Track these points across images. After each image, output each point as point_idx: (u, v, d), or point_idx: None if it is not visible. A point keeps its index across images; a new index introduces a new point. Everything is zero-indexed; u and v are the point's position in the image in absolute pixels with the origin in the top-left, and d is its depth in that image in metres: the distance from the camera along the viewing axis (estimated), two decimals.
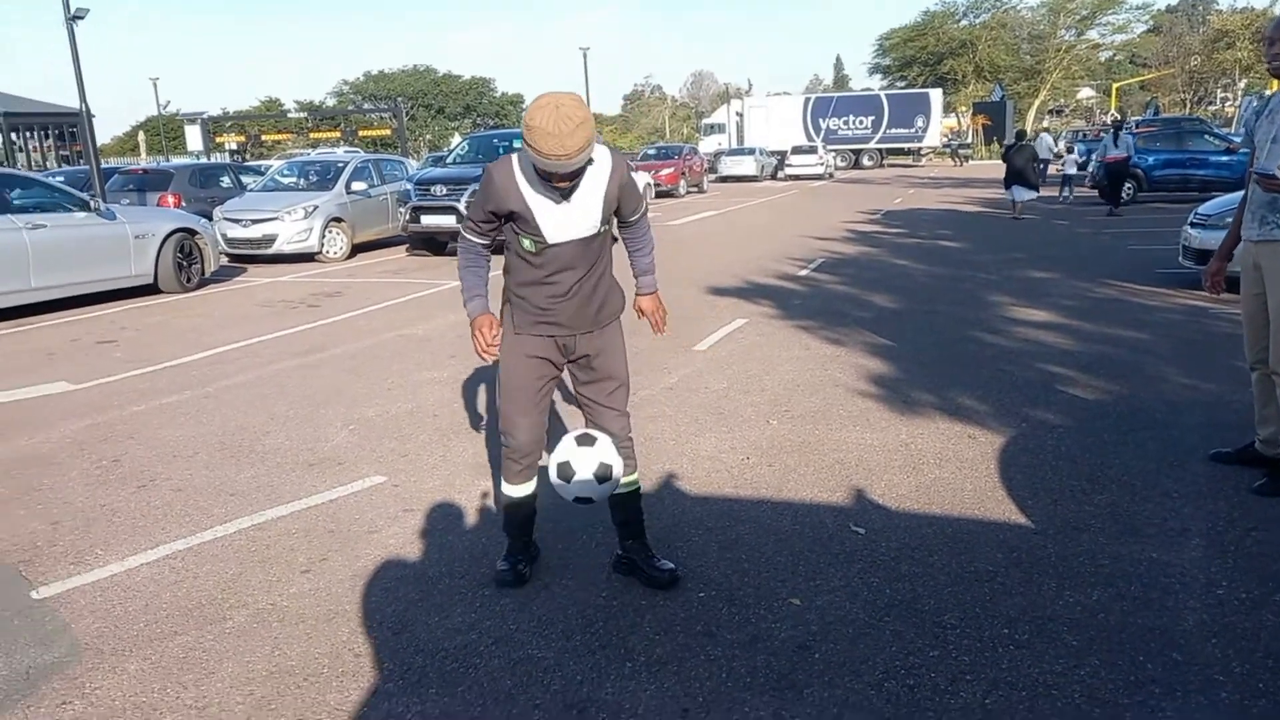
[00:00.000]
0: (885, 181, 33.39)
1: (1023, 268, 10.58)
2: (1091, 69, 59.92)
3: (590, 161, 2.78)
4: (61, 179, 13.18)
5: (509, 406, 3.07)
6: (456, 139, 55.87)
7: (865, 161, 46.79)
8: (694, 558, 3.36)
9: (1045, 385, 5.49)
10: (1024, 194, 16.71)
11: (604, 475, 2.90)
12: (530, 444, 3.10)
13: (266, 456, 4.69)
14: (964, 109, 56.56)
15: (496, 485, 4.13)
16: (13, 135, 35.81)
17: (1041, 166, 18.85)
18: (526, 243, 2.89)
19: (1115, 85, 53.16)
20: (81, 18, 16.84)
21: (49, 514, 4.03)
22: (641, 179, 19.98)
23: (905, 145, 47.82)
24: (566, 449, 2.93)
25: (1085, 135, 36.05)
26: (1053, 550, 3.31)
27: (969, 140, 51.20)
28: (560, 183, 2.72)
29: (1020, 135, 19.20)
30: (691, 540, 3.51)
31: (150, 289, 10.49)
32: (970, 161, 47.48)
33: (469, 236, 3.01)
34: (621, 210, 3.02)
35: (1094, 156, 20.60)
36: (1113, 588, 3.01)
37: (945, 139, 50.36)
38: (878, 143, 47.23)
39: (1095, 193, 19.69)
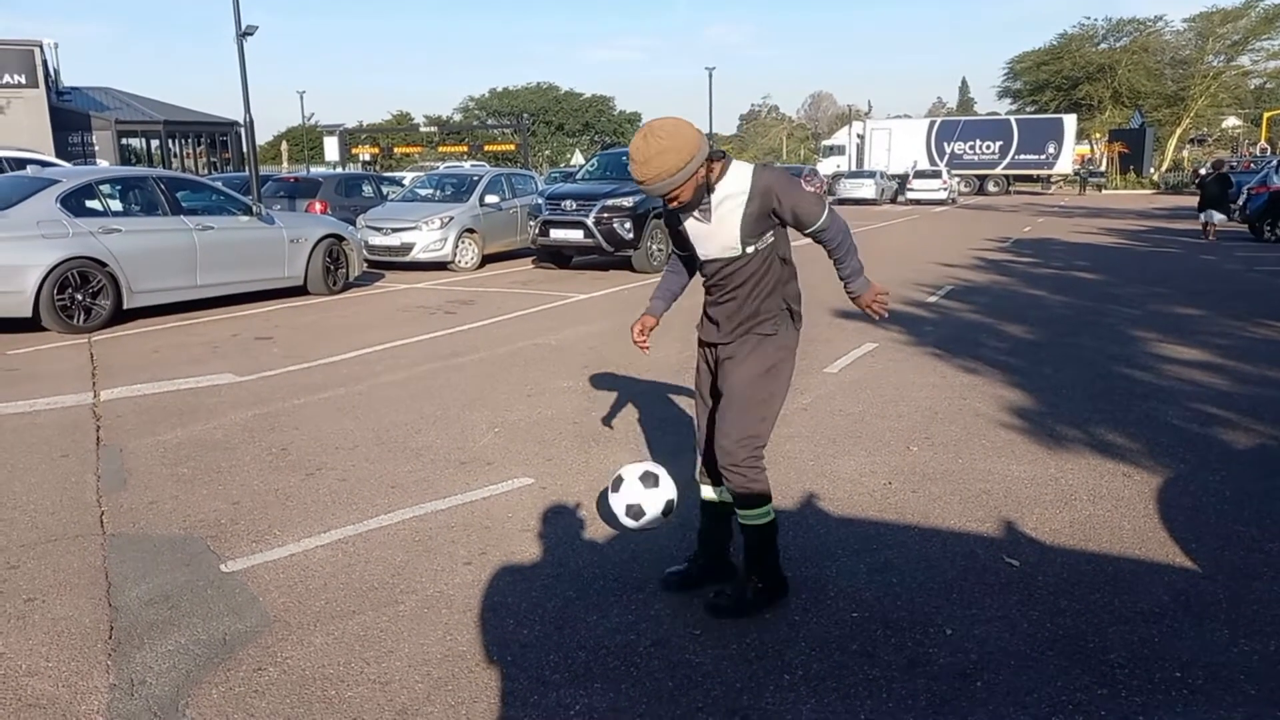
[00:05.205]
0: (1012, 209, 32.37)
1: (1169, 303, 10.12)
2: (1240, 97, 56.49)
3: (710, 190, 2.88)
4: (220, 184, 14.10)
5: (696, 403, 3.33)
6: (577, 155, 57.00)
7: (990, 188, 45.51)
8: (843, 577, 3.38)
9: (1203, 427, 5.26)
10: (1217, 216, 18.25)
11: (670, 510, 3.25)
12: (705, 442, 3.24)
13: (421, 453, 4.93)
14: (1099, 136, 54.19)
15: None
16: (170, 142, 38.47)
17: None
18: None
19: (1267, 115, 49.91)
20: (251, 34, 18.05)
21: (229, 494, 4.35)
22: None
23: (1034, 172, 46.30)
24: (633, 490, 3.21)
25: (1234, 166, 34.08)
26: (1223, 596, 3.19)
27: (1103, 168, 49.08)
28: (669, 202, 2.91)
29: (1218, 164, 21.21)
30: (839, 560, 3.53)
31: (299, 290, 11.12)
32: (1104, 190, 45.51)
33: (674, 249, 3.30)
34: (799, 223, 2.91)
35: (1245, 188, 19.50)
36: None
37: (1077, 166, 48.47)
38: (1004, 169, 45.89)
39: (1244, 227, 18.67)
